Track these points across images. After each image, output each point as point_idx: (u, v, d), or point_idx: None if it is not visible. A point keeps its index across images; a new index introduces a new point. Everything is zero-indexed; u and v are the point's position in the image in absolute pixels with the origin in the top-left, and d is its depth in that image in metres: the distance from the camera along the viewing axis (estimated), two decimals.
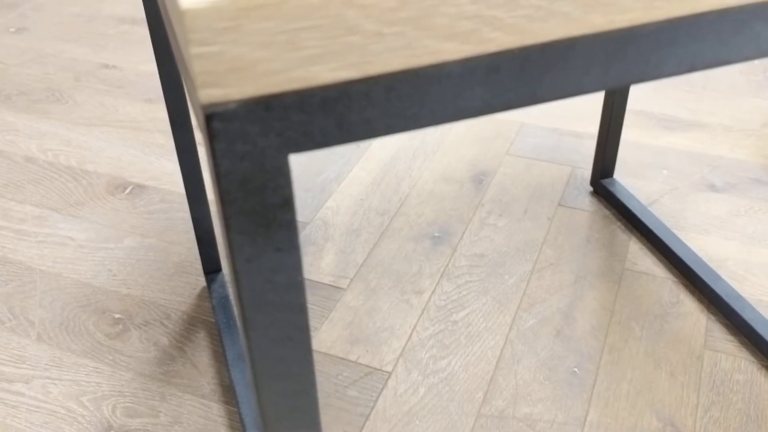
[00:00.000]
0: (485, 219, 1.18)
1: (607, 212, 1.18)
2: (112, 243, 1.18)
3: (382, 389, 0.92)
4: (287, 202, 0.26)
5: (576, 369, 0.93)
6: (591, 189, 1.22)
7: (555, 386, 0.91)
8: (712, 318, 0.99)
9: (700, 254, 1.09)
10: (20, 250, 1.17)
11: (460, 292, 1.05)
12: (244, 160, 0.25)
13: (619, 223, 1.15)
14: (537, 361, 0.95)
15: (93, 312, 1.05)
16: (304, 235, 1.17)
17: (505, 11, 0.25)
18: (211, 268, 1.08)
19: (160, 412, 0.91)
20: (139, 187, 1.29)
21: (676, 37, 0.27)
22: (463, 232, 1.16)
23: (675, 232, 1.13)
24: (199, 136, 1.42)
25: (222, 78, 0.23)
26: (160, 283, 1.10)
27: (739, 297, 0.98)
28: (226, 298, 1.04)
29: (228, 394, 0.93)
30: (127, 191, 1.28)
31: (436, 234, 1.16)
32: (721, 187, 1.23)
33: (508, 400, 0.90)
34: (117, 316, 1.05)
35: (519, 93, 0.27)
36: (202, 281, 1.10)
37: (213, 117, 0.23)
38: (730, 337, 0.97)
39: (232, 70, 0.23)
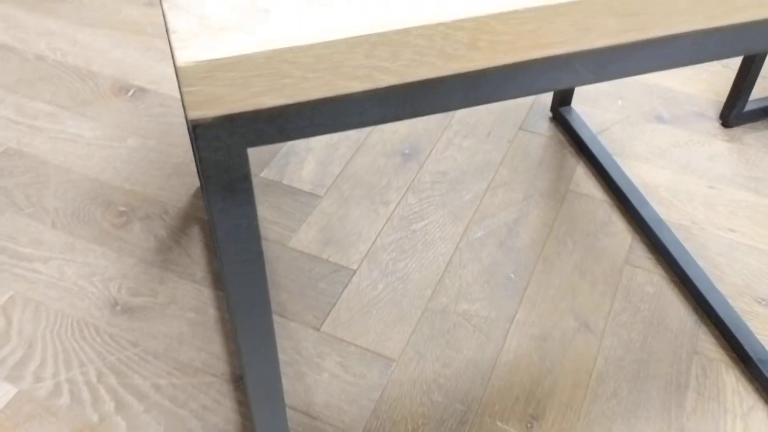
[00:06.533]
0: (452, 139, 1.31)
1: (561, 138, 1.31)
2: (117, 142, 1.31)
3: (347, 284, 1.09)
4: (246, 177, 0.40)
5: (512, 275, 1.10)
6: (551, 115, 1.35)
7: (492, 289, 1.08)
8: (637, 238, 1.15)
9: (637, 180, 1.23)
10: (34, 145, 1.30)
11: (421, 205, 1.20)
12: (217, 151, 0.38)
13: (570, 149, 1.29)
14: (480, 267, 1.11)
15: (100, 204, 1.20)
16: (287, 147, 1.30)
17: (389, 63, 0.38)
18: None
19: (158, 293, 1.08)
20: (141, 90, 1.41)
21: (512, 75, 0.40)
22: (431, 151, 1.29)
23: (619, 159, 1.27)
24: None
25: (202, 105, 0.36)
26: (160, 181, 1.24)
27: (661, 221, 1.14)
28: None
29: (217, 281, 1.09)
30: (130, 93, 1.41)
31: (406, 151, 1.29)
32: (668, 118, 1.35)
33: (452, 297, 1.07)
34: (121, 208, 1.20)
35: (402, 111, 0.40)
36: (196, 182, 1.24)
37: (196, 126, 0.37)
38: (649, 255, 1.13)
39: (209, 101, 0.36)
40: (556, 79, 0.41)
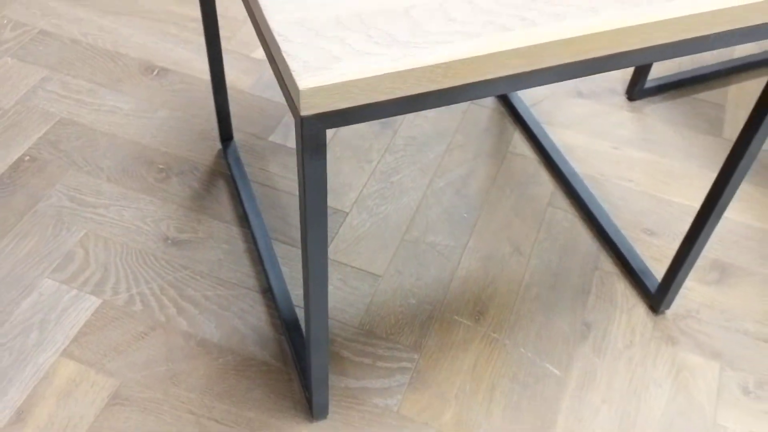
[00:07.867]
0: (419, 111, 1.66)
1: (503, 110, 1.67)
2: (149, 113, 1.63)
3: (342, 222, 1.44)
4: (323, 145, 0.75)
5: (465, 214, 1.47)
6: None
7: (451, 224, 1.45)
8: (558, 186, 1.53)
9: (559, 143, 1.61)
10: (82, 115, 1.61)
11: (397, 163, 1.56)
12: (311, 131, 0.73)
13: (509, 119, 1.66)
14: (442, 209, 1.47)
15: (143, 163, 1.53)
16: (289, 116, 1.64)
17: (401, 85, 0.73)
18: (225, 136, 1.55)
19: (198, 230, 1.42)
20: (164, 70, 1.72)
21: (465, 90, 0.76)
22: (403, 120, 1.64)
23: (546, 126, 1.64)
24: (224, 44, 1.82)
25: (307, 108, 0.71)
26: (189, 144, 1.57)
27: (576, 174, 1.51)
28: (237, 158, 1.52)
29: (242, 221, 1.43)
30: (155, 73, 1.72)
31: (384, 120, 1.64)
32: (586, 94, 1.73)
33: (421, 231, 1.43)
34: (161, 166, 1.52)
35: (407, 109, 0.75)
36: (218, 145, 1.57)
37: (303, 119, 0.72)
38: (566, 200, 1.50)
39: (311, 106, 0.70)
40: (487, 91, 0.77)
